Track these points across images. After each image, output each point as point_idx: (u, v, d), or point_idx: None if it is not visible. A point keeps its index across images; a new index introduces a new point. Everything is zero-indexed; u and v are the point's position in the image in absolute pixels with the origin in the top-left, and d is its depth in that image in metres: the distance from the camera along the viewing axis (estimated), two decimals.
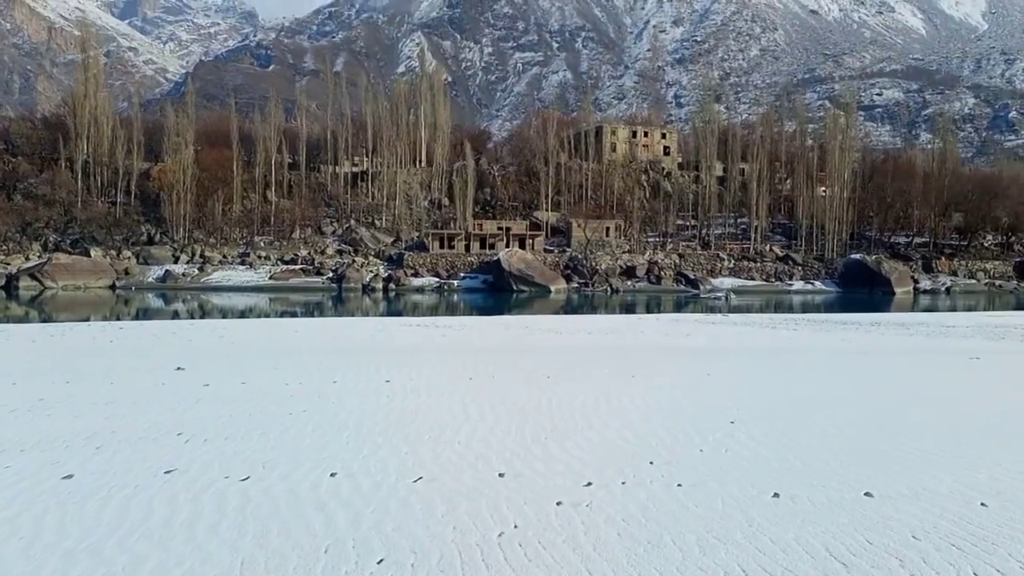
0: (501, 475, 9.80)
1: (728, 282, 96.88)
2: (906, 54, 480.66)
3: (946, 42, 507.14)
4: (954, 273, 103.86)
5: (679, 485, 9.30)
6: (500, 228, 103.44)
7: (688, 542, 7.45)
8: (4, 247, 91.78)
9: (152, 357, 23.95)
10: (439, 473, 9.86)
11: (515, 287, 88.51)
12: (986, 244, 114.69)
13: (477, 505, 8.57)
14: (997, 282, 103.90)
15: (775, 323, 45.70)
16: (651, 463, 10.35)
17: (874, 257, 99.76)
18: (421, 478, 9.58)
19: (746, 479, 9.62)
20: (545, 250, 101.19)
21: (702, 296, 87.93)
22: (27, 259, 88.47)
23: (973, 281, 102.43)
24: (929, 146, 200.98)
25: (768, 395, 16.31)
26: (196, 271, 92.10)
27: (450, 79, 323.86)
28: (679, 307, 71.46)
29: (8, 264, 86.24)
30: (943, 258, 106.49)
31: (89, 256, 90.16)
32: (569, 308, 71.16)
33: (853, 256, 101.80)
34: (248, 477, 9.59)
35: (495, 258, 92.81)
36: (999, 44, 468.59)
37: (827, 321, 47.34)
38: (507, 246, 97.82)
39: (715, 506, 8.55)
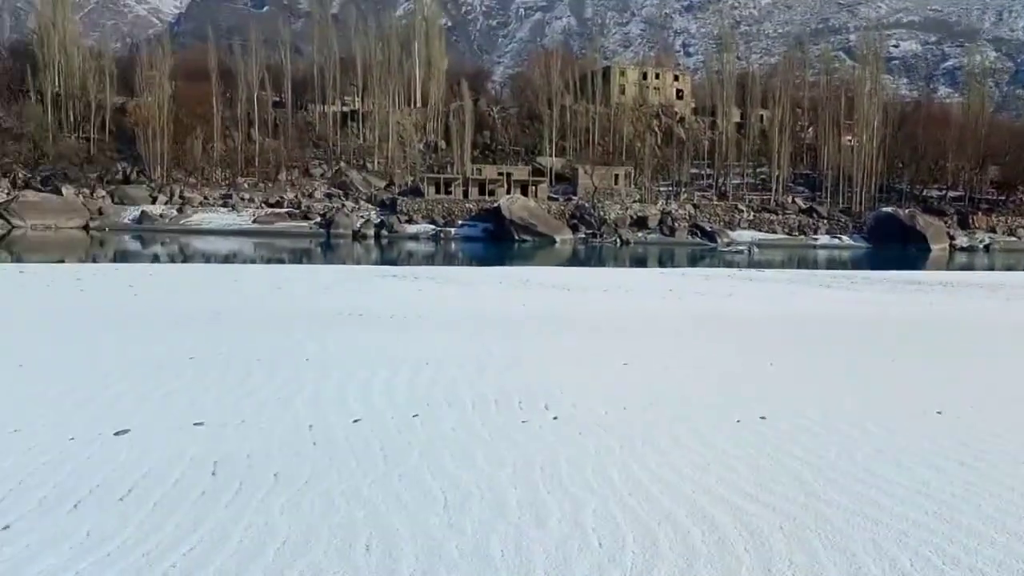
0: None
1: (748, 235, 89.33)
2: (924, 4, 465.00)
3: None
4: (992, 230, 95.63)
5: None
6: (500, 173, 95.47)
7: None
8: None
9: None
10: None
11: (517, 236, 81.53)
12: None
13: None
14: None
15: (823, 281, 38.47)
16: None
17: (907, 211, 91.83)
18: None
19: None
20: (549, 198, 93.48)
21: (720, 249, 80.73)
22: None
23: (1014, 239, 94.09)
24: (948, 100, 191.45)
25: None
26: (175, 212, 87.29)
27: (449, 23, 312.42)
28: (695, 261, 65.12)
29: None
30: (980, 214, 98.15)
31: (60, 194, 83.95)
32: (576, 260, 64.96)
33: (884, 209, 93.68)
34: None
35: (495, 205, 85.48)
36: None
37: (884, 280, 40.03)
38: (508, 192, 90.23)
39: None
